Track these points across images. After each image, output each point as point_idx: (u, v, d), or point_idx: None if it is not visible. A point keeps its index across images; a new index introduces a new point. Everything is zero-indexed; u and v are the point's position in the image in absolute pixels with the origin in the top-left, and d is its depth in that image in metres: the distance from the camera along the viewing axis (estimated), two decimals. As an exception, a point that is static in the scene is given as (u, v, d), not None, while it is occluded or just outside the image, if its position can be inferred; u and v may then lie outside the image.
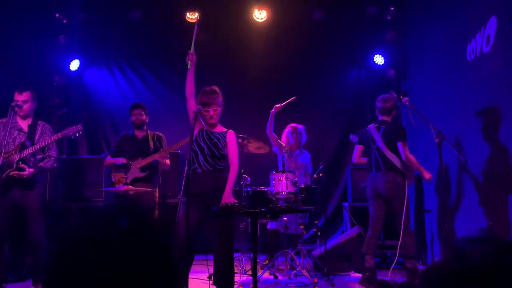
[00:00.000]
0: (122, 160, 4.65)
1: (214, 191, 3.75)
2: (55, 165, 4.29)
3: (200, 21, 4.33)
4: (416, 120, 4.52)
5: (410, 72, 6.61)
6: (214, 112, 3.86)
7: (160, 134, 5.06)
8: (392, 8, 6.75)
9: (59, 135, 4.18)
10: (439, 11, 5.59)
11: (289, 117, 6.50)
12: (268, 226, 5.55)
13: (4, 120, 4.18)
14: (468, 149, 4.62)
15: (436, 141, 3.81)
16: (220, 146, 3.85)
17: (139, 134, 4.97)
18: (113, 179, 4.85)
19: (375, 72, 6.93)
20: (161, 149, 4.76)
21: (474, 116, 4.37)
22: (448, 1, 5.37)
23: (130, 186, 4.36)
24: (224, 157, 3.89)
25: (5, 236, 4.07)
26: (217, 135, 3.90)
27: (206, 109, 3.83)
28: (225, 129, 4.01)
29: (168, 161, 4.89)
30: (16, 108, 4.14)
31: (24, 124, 4.23)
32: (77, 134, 4.17)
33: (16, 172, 4.00)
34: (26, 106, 4.21)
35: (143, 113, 4.97)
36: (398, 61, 6.80)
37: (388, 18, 6.81)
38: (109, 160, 4.92)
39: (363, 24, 6.84)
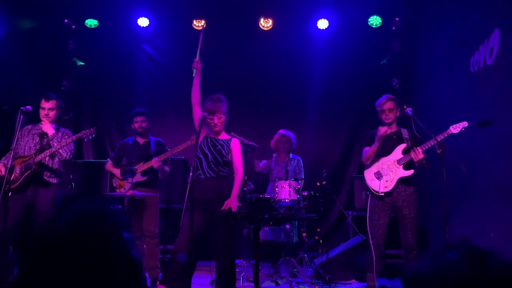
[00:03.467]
0: (120, 177, 4.80)
1: (217, 198, 3.80)
2: (70, 160, 4.41)
3: (205, 29, 4.38)
4: (418, 130, 4.54)
5: (413, 82, 6.65)
6: (218, 120, 3.92)
7: (161, 140, 5.11)
8: (397, 19, 6.80)
9: (74, 137, 4.32)
10: (444, 22, 5.64)
11: (293, 124, 6.56)
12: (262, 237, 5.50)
13: (30, 126, 4.42)
14: (471, 159, 4.63)
15: (438, 152, 3.82)
16: (224, 153, 3.91)
17: (141, 140, 5.03)
18: (114, 184, 4.92)
19: (379, 81, 6.97)
20: (154, 157, 4.76)
21: (476, 127, 4.40)
22: (452, 13, 5.42)
23: (135, 191, 4.42)
24: (227, 164, 3.94)
25: (11, 238, 4.15)
26: (221, 142, 3.96)
27: (211, 116, 3.89)
28: (229, 137, 4.07)
29: (167, 168, 4.94)
30: (43, 116, 4.34)
31: (48, 130, 4.37)
32: (90, 137, 4.31)
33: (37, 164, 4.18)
34: (52, 114, 4.39)
35: (145, 119, 5.02)
36: (402, 71, 6.84)
37: (393, 28, 6.87)
38: (109, 167, 4.99)
39: (368, 33, 6.89)
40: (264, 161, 5.68)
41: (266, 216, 3.41)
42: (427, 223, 5.68)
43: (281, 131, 5.69)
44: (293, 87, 7.02)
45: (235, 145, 4.01)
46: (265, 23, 6.88)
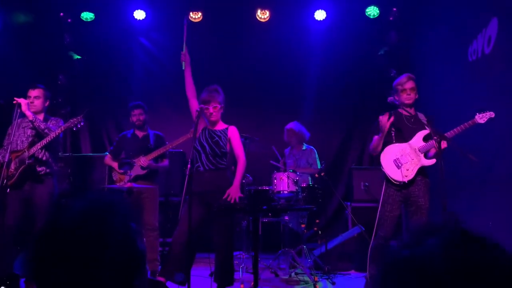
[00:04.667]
0: (120, 171, 4.78)
1: (216, 190, 3.80)
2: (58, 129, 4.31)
3: (189, 22, 4.33)
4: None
5: (411, 72, 6.62)
6: (214, 109, 3.91)
7: (161, 134, 5.10)
8: (394, 9, 6.77)
9: (62, 127, 4.28)
10: (441, 12, 5.62)
11: (291, 116, 6.54)
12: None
13: (19, 120, 4.34)
14: (470, 150, 4.63)
15: (435, 139, 3.68)
16: (221, 144, 3.90)
17: (140, 133, 5.01)
18: (114, 178, 4.91)
19: (377, 72, 6.96)
20: (141, 157, 4.72)
21: (474, 116, 4.38)
22: (450, 3, 5.39)
23: (134, 183, 4.42)
24: (226, 155, 3.94)
25: (11, 234, 4.16)
26: (218, 133, 3.95)
27: (206, 106, 3.89)
28: (226, 126, 4.05)
29: (165, 161, 4.93)
30: (28, 104, 4.25)
31: (26, 111, 4.28)
32: (78, 126, 4.26)
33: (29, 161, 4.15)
34: (37, 102, 4.37)
35: (143, 112, 5.00)
36: (399, 61, 6.82)
37: (391, 19, 6.84)
38: (108, 160, 4.98)
39: (366, 24, 6.86)
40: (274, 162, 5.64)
41: (265, 207, 3.41)
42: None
43: (288, 125, 5.73)
44: (290, 78, 7.00)
45: (233, 133, 3.98)
46: (262, 15, 6.85)
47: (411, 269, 0.67)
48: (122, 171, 4.79)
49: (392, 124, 3.83)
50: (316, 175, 5.40)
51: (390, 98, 3.94)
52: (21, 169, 4.19)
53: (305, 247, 5.18)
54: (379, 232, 3.81)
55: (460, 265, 0.64)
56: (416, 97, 3.90)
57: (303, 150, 5.71)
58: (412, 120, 3.86)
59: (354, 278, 4.99)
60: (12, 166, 4.20)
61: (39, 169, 4.26)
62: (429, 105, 5.64)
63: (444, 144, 3.61)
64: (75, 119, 4.26)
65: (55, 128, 4.27)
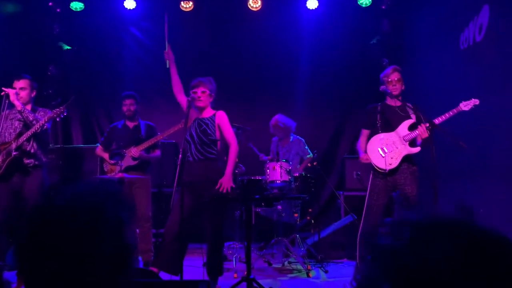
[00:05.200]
0: (111, 161, 4.74)
1: (204, 181, 3.78)
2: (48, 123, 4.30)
3: (169, 17, 4.19)
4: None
5: (404, 60, 6.63)
6: (202, 94, 3.87)
7: (152, 124, 5.06)
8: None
9: (46, 118, 4.23)
10: (434, 0, 5.60)
11: (283, 105, 6.53)
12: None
13: (7, 111, 4.31)
14: (461, 138, 4.65)
15: (426, 125, 3.71)
16: (209, 131, 3.86)
17: (130, 124, 4.97)
18: (105, 169, 4.89)
19: (369, 61, 6.94)
20: (132, 147, 4.69)
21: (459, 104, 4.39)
22: (442, -10, 5.38)
23: (125, 174, 4.40)
24: (215, 143, 3.89)
25: (2, 225, 4.13)
26: (206, 121, 3.91)
27: (194, 90, 3.85)
28: (214, 111, 4.00)
29: (158, 152, 4.91)
30: (16, 94, 4.21)
31: (15, 102, 4.24)
32: (61, 116, 4.20)
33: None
34: (23, 93, 4.30)
35: (134, 103, 4.95)
36: (392, 50, 6.81)
37: (383, 7, 6.81)
38: (99, 152, 4.95)
39: (358, 13, 6.83)
40: (264, 157, 5.63)
41: (257, 196, 3.41)
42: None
43: (272, 120, 5.67)
44: (283, 68, 6.97)
45: (221, 118, 3.93)
46: (254, 4, 6.79)
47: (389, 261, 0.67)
48: (113, 162, 4.76)
49: (379, 115, 3.99)
50: (309, 164, 5.40)
51: (382, 87, 4.04)
52: (7, 161, 4.15)
53: (298, 236, 5.20)
54: (366, 219, 3.94)
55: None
56: (403, 88, 4.01)
57: (291, 141, 5.68)
58: (399, 110, 3.98)
59: (347, 266, 5.03)
60: (0, 159, 4.17)
61: (27, 161, 4.22)
62: (421, 93, 5.65)
63: (424, 134, 3.74)
64: (58, 110, 4.21)
65: (42, 119, 4.23)
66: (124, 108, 4.94)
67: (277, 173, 4.77)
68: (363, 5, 6.77)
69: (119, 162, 4.54)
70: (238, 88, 6.90)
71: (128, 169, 4.64)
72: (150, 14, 6.96)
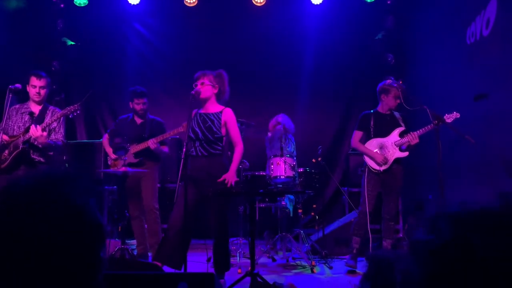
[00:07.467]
0: (113, 156, 4.75)
1: (208, 177, 3.75)
2: (63, 145, 4.38)
3: (173, 12, 4.15)
4: (412, 103, 4.50)
5: (409, 56, 6.58)
6: (201, 85, 3.83)
7: (160, 120, 5.03)
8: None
9: (58, 115, 4.25)
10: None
11: (287, 101, 6.50)
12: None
13: (17, 105, 4.36)
14: (467, 132, 4.61)
15: (434, 123, 3.93)
16: (214, 129, 3.82)
17: (138, 120, 4.95)
18: (109, 162, 4.87)
19: (374, 56, 6.89)
20: (150, 139, 4.68)
21: (473, 99, 4.36)
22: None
23: (128, 168, 4.38)
24: (220, 140, 3.87)
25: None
26: (212, 117, 3.87)
27: (195, 83, 3.83)
28: (221, 108, 3.96)
29: (166, 149, 4.89)
30: (34, 95, 4.28)
31: (36, 109, 4.35)
32: (75, 114, 4.22)
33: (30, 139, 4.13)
34: (43, 92, 4.35)
35: (147, 102, 4.93)
36: (397, 46, 6.76)
37: (388, 2, 6.76)
38: (105, 142, 4.92)
39: (363, 8, 6.78)
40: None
41: (261, 191, 3.39)
42: (422, 196, 5.69)
43: (278, 118, 5.61)
44: (287, 63, 6.93)
45: (228, 116, 3.89)
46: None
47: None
48: (115, 157, 4.76)
49: (372, 122, 4.58)
50: (313, 160, 5.37)
51: (382, 96, 4.58)
52: (14, 153, 4.15)
53: (302, 232, 5.18)
54: (360, 208, 4.54)
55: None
56: (399, 102, 4.56)
57: (289, 138, 5.63)
58: (388, 118, 4.59)
59: (351, 263, 4.99)
60: (6, 152, 4.17)
61: (33, 156, 4.22)
62: (427, 88, 5.61)
63: (414, 140, 4.30)
64: (72, 107, 4.21)
65: (58, 129, 4.30)
66: (137, 107, 4.88)
67: (281, 168, 4.74)
68: (368, 1, 6.72)
69: (123, 156, 4.52)
70: (242, 83, 6.85)
71: (130, 166, 4.60)
72: (154, 10, 6.94)
